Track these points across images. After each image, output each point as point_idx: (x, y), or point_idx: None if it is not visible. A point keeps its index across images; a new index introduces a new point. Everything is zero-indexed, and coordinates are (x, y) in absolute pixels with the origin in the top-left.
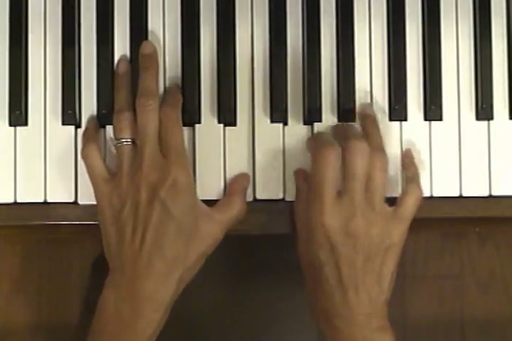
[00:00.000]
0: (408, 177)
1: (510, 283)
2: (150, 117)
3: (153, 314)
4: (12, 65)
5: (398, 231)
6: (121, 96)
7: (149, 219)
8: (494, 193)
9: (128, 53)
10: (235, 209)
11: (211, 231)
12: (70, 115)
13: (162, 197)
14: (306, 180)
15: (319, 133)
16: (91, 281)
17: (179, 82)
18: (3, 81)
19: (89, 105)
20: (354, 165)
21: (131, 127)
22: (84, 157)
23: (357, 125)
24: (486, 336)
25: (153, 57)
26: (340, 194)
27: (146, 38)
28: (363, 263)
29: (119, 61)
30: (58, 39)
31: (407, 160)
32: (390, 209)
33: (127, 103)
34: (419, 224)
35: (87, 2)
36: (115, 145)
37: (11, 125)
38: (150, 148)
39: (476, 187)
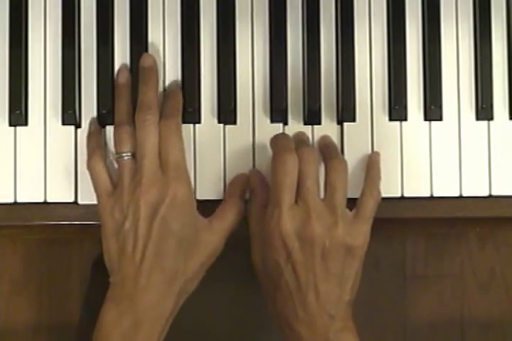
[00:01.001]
0: (368, 179)
1: (510, 283)
2: (148, 132)
3: (153, 327)
4: (12, 64)
5: (360, 233)
6: (121, 109)
7: (149, 235)
8: (494, 193)
9: (128, 53)
10: (232, 216)
11: (210, 242)
12: (70, 115)
13: (162, 213)
14: (262, 182)
15: (279, 136)
16: (91, 281)
17: (179, 82)
18: (3, 81)
19: (89, 105)
20: (305, 170)
21: (131, 141)
22: (89, 168)
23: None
24: (486, 336)
25: (152, 69)
26: (296, 200)
27: (146, 37)
28: (322, 266)
29: (118, 71)
30: (58, 39)
31: (373, 162)
32: (350, 212)
33: (127, 115)
34: (419, 224)
35: (87, 2)
36: (115, 159)
37: (11, 125)
38: (149, 163)
39: (476, 187)
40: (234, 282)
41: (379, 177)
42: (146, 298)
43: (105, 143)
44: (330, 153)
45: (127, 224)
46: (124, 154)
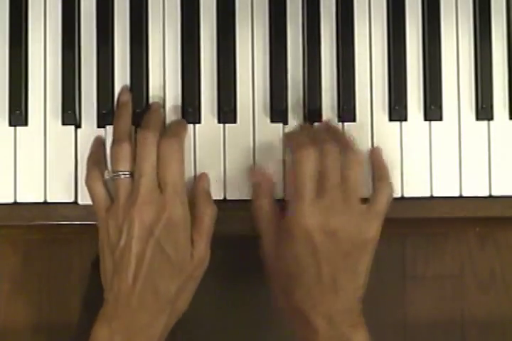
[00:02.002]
0: (378, 176)
1: (510, 283)
2: (148, 151)
3: None
4: (12, 65)
5: (373, 228)
6: (121, 126)
7: (143, 255)
8: (494, 193)
9: (128, 53)
10: (207, 222)
11: (200, 257)
12: (70, 115)
13: (156, 234)
14: (265, 176)
15: (295, 131)
16: (91, 281)
17: (179, 82)
18: (3, 81)
19: (89, 105)
20: (325, 165)
21: (128, 159)
22: (87, 185)
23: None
24: (486, 336)
25: (159, 108)
26: (318, 193)
27: (146, 37)
28: (342, 260)
29: (120, 91)
30: (58, 39)
31: (377, 158)
32: (363, 206)
33: (126, 133)
34: (419, 224)
35: (87, 2)
36: (112, 178)
37: (11, 125)
38: (146, 182)
39: (476, 187)
40: (232, 281)
41: (388, 173)
42: (137, 319)
43: (104, 140)
44: (345, 145)
45: (122, 242)
46: (121, 173)
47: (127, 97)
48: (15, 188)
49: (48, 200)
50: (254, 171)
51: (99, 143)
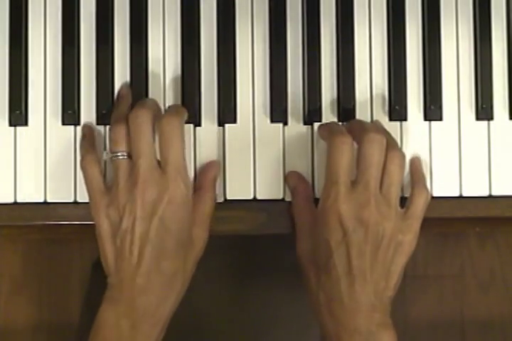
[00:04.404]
0: (415, 180)
1: (510, 283)
2: (141, 129)
3: (152, 329)
4: (12, 64)
5: (410, 230)
6: (119, 109)
7: (147, 235)
8: (494, 193)
9: (128, 53)
10: (208, 205)
11: (199, 236)
12: (70, 115)
13: (160, 213)
14: (301, 178)
15: (330, 123)
16: (91, 281)
17: (179, 82)
18: (3, 81)
19: (89, 105)
20: (370, 155)
21: (126, 140)
22: (82, 169)
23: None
24: (486, 336)
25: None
26: (354, 183)
27: (146, 37)
28: (373, 254)
29: (120, 87)
30: (58, 39)
31: (415, 164)
32: (401, 209)
33: (123, 116)
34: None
35: (87, 2)
36: (110, 159)
37: (11, 125)
38: (145, 162)
39: (476, 187)
40: (232, 282)
41: (424, 177)
42: (144, 301)
43: (103, 140)
44: (388, 143)
45: (124, 225)
46: (120, 153)
47: (127, 90)
48: (15, 188)
49: (48, 200)
50: (290, 174)
51: (90, 128)
